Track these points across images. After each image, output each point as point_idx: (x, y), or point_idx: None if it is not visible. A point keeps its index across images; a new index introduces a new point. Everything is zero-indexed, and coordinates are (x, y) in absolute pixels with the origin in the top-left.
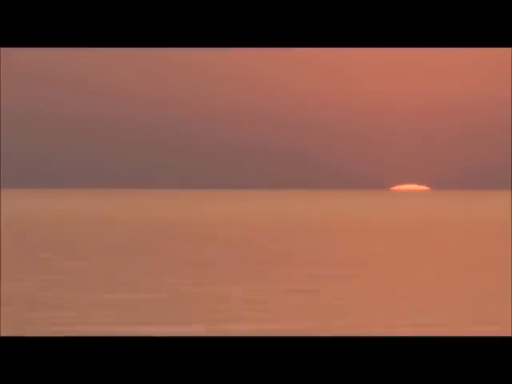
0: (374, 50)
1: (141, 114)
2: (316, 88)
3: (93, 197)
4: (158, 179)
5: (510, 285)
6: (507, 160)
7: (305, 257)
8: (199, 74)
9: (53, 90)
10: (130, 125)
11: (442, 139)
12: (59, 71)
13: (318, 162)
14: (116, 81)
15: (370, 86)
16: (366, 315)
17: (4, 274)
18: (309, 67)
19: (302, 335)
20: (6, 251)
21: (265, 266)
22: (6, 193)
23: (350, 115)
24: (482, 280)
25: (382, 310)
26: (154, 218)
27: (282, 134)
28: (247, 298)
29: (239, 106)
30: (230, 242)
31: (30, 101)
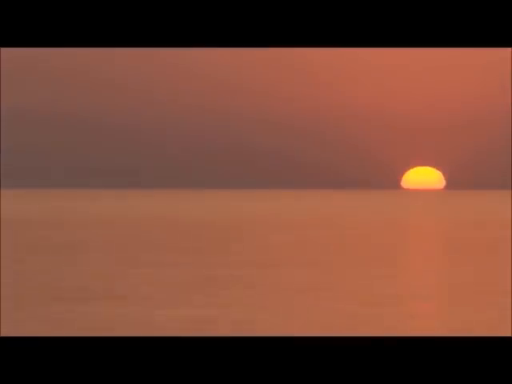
0: (374, 50)
1: (136, 114)
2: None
3: (92, 197)
4: (150, 178)
5: (510, 284)
6: (507, 160)
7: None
8: (198, 73)
9: (53, 90)
10: (128, 124)
11: (440, 139)
12: (59, 71)
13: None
14: (115, 80)
15: (369, 86)
16: (366, 314)
17: (4, 274)
18: (311, 67)
19: (297, 335)
20: (6, 251)
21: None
22: (5, 193)
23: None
24: (481, 280)
25: (384, 310)
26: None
27: (283, 134)
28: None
29: (239, 106)
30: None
31: (31, 101)
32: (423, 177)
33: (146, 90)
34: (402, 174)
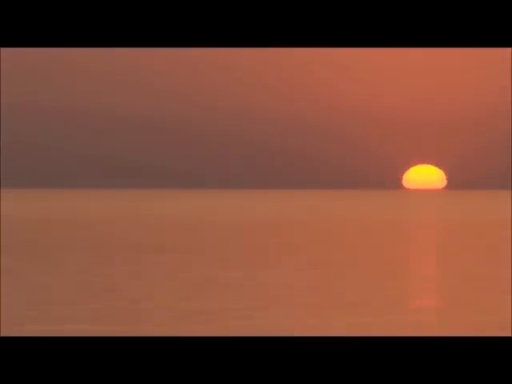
0: (374, 50)
1: (141, 110)
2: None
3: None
4: (151, 178)
5: (509, 284)
6: (507, 160)
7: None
8: (198, 73)
9: (53, 89)
10: (128, 123)
11: (439, 140)
12: (59, 71)
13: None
14: (115, 79)
15: (370, 85)
16: (367, 314)
17: (5, 274)
18: (311, 66)
19: (299, 335)
20: (7, 251)
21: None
22: (5, 193)
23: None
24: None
25: (384, 310)
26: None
27: (284, 133)
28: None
29: (244, 104)
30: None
31: (31, 100)
32: (424, 175)
33: (147, 89)
34: (403, 172)
